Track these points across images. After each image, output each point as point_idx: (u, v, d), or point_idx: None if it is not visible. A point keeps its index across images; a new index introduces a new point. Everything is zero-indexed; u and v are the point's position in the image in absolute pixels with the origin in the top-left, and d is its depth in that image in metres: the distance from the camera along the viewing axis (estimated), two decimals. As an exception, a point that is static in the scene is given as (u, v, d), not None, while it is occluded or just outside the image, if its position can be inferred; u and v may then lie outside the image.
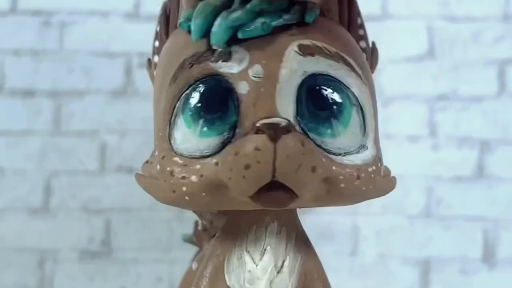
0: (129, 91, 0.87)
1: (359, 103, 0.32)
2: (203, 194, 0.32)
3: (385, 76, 0.82)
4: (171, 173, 0.32)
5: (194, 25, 0.33)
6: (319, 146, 0.31)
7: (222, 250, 0.34)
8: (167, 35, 0.38)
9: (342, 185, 0.31)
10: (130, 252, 0.86)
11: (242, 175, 0.30)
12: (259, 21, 0.32)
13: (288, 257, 0.34)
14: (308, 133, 0.31)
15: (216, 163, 0.31)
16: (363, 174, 0.31)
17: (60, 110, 0.87)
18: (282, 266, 0.33)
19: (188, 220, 0.84)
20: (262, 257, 0.33)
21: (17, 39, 0.87)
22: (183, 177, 0.32)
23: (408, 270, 0.87)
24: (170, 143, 0.33)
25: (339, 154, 0.32)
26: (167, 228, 0.86)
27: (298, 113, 0.31)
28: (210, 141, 0.32)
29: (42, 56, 0.87)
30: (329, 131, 0.31)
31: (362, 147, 0.32)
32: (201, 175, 0.31)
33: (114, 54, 0.87)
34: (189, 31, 0.33)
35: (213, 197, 0.32)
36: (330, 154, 0.31)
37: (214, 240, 0.35)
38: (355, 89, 0.32)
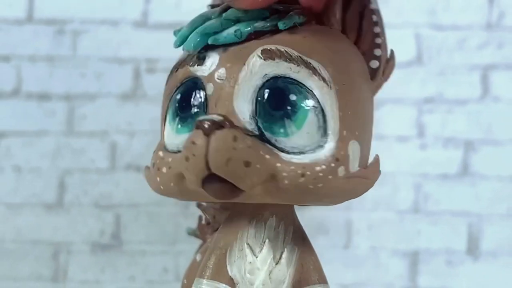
0: (138, 94, 0.87)
1: (320, 105, 0.32)
2: (172, 184, 0.32)
3: (376, 80, 0.82)
4: (153, 165, 0.33)
5: (179, 33, 0.33)
6: (272, 144, 0.31)
7: (224, 242, 0.34)
8: None
9: (286, 181, 0.31)
10: (139, 245, 0.86)
11: (185, 167, 0.31)
12: (233, 29, 0.32)
13: (285, 249, 0.33)
14: (264, 131, 0.31)
15: (180, 157, 0.31)
16: (308, 172, 0.31)
17: (73, 112, 0.87)
18: (280, 258, 0.33)
19: (192, 215, 0.84)
20: (261, 250, 0.33)
21: (33, 46, 0.87)
22: (158, 169, 0.33)
23: (398, 262, 0.86)
24: (163, 139, 0.34)
25: (292, 153, 0.31)
26: (173, 222, 0.86)
27: (256, 112, 0.31)
28: (183, 137, 0.32)
29: (57, 62, 0.87)
30: (282, 130, 0.31)
31: (319, 147, 0.32)
32: (169, 167, 0.32)
33: (124, 60, 0.87)
34: None
35: (179, 187, 0.32)
36: (282, 152, 0.31)
37: (217, 233, 0.35)
38: (316, 91, 0.32)
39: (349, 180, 0.32)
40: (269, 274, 0.33)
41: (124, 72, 0.87)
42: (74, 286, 0.86)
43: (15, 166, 0.86)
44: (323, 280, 0.34)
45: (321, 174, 0.31)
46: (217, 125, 0.30)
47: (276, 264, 0.33)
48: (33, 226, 0.86)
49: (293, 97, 0.31)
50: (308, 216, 0.78)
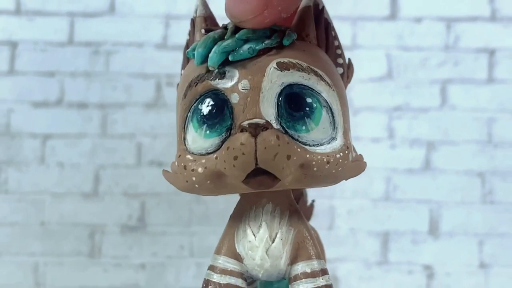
0: (159, 104, 0.87)
1: (328, 105, 0.32)
2: (208, 182, 0.32)
3: (354, 92, 0.82)
4: (184, 167, 0.32)
5: (197, 53, 0.33)
6: (296, 139, 0.31)
7: (233, 225, 0.34)
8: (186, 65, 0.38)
9: (315, 169, 0.31)
10: (160, 227, 0.86)
11: (232, 165, 0.30)
12: (246, 46, 0.32)
13: (280, 230, 0.33)
14: (288, 130, 0.31)
15: (216, 157, 0.31)
16: (332, 160, 0.31)
17: (106, 118, 0.87)
18: (275, 237, 0.33)
19: (204, 202, 0.84)
20: (259, 231, 0.33)
21: (73, 64, 0.87)
22: (193, 170, 0.32)
23: (372, 241, 0.86)
24: (185, 145, 0.33)
25: (313, 145, 0.31)
26: (188, 208, 0.86)
27: (279, 115, 0.31)
28: (212, 141, 0.32)
29: (93, 77, 0.87)
30: (303, 127, 0.31)
31: (333, 139, 0.32)
32: (205, 167, 0.32)
33: (148, 76, 0.87)
34: (194, 59, 0.34)
35: (216, 184, 0.32)
36: (306, 145, 0.31)
37: (229, 218, 0.35)
38: (324, 94, 0.32)
39: (355, 163, 0.33)
40: (266, 251, 0.33)
41: (148, 85, 0.87)
42: (107, 261, 0.86)
43: (59, 162, 0.86)
44: (318, 256, 0.33)
45: (340, 160, 0.31)
46: (262, 127, 0.30)
47: (272, 242, 0.33)
48: (73, 212, 0.86)
49: (309, 100, 0.31)
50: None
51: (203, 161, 0.32)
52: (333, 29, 0.36)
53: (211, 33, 0.34)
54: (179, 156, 0.33)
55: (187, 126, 0.33)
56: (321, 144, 0.31)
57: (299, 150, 0.31)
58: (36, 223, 0.85)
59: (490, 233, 0.86)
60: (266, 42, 0.32)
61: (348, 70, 0.36)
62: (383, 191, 0.86)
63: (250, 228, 0.33)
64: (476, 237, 0.86)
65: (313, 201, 0.47)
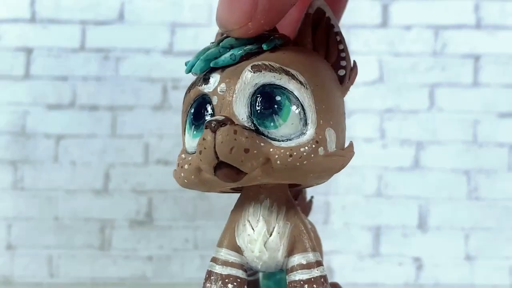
0: (165, 106, 0.87)
1: (299, 102, 0.32)
2: (192, 177, 0.32)
3: (348, 95, 0.82)
4: (178, 164, 0.33)
5: (188, 63, 0.34)
6: (266, 135, 0.31)
7: (234, 219, 0.34)
8: None
9: (278, 162, 0.30)
10: (166, 221, 0.86)
11: (200, 159, 0.31)
12: (229, 53, 0.32)
13: (277, 224, 0.33)
14: (258, 127, 0.31)
15: (196, 154, 0.32)
16: (294, 153, 0.31)
17: (116, 119, 0.87)
18: (273, 231, 0.33)
19: (207, 198, 0.85)
20: (257, 225, 0.33)
21: (85, 69, 0.87)
22: (182, 167, 0.33)
23: (365, 234, 0.86)
24: (184, 146, 0.34)
25: (282, 140, 0.31)
26: (192, 204, 0.86)
27: (251, 113, 0.31)
28: (198, 140, 0.32)
29: (103, 81, 0.87)
30: (271, 124, 0.31)
31: (302, 134, 0.32)
32: (189, 164, 0.32)
33: (155, 80, 0.87)
34: None
35: (199, 178, 0.32)
36: (274, 140, 0.31)
37: (230, 213, 0.35)
38: (296, 92, 0.32)
39: (328, 158, 0.32)
40: (264, 244, 0.33)
41: (155, 89, 0.87)
42: (116, 254, 0.86)
43: (71, 161, 0.86)
44: (313, 249, 0.33)
45: (305, 154, 0.31)
46: (221, 123, 0.30)
47: (270, 236, 0.33)
48: (85, 207, 0.86)
49: (278, 98, 0.31)
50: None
51: (190, 158, 0.32)
52: (339, 34, 0.36)
53: (207, 45, 0.34)
54: (179, 155, 0.34)
55: (185, 129, 0.34)
56: (289, 140, 0.31)
57: (262, 144, 0.31)
58: (50, 218, 0.85)
59: (476, 227, 0.86)
60: (247, 47, 0.32)
61: (351, 71, 0.36)
62: (375, 188, 0.87)
63: (249, 223, 0.33)
64: (462, 231, 0.86)
65: (312, 197, 0.46)
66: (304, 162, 0.31)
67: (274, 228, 0.33)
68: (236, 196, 0.35)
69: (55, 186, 0.86)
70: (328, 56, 0.35)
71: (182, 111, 0.34)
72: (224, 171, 0.30)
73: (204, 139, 0.30)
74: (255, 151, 0.30)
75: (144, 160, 0.87)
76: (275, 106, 0.31)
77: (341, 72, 0.35)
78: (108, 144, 0.86)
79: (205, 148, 0.30)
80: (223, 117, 0.31)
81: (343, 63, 0.36)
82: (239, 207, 0.34)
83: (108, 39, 0.87)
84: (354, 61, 0.36)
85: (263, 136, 0.31)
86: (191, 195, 0.85)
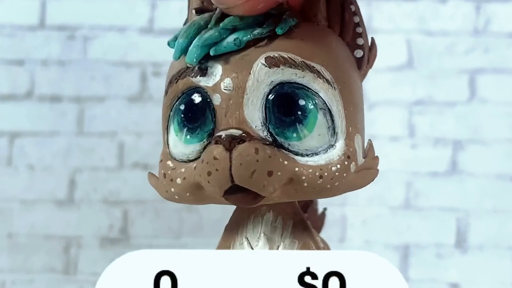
0: (144, 96, 0.87)
1: (327, 106, 0.31)
2: (187, 194, 0.32)
3: (369, 83, 0.82)
4: (164, 175, 0.33)
5: (176, 44, 0.33)
6: (286, 148, 0.31)
7: (229, 237, 0.34)
8: None
9: (305, 184, 0.30)
10: (145, 239, 0.86)
11: (207, 181, 0.30)
12: (232, 37, 0.32)
13: (282, 243, 0.33)
14: (276, 137, 0.31)
15: (194, 168, 0.31)
16: (326, 174, 0.30)
17: (83, 113, 0.87)
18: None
19: (196, 210, 0.84)
20: (258, 243, 0.33)
21: (45, 51, 0.87)
22: (171, 180, 0.33)
23: (390, 255, 0.86)
24: (168, 147, 0.33)
25: (306, 155, 0.31)
26: (177, 217, 0.86)
27: (267, 119, 0.31)
28: (193, 147, 0.32)
29: (67, 65, 0.87)
30: (294, 135, 0.31)
31: (330, 146, 0.31)
32: (184, 178, 0.32)
33: (131, 64, 0.87)
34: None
35: (196, 195, 0.32)
36: (297, 155, 0.31)
37: (224, 230, 0.35)
38: (322, 94, 0.31)
39: (359, 174, 0.32)
40: (266, 268, 0.33)
41: (131, 76, 0.87)
42: (84, 278, 0.85)
43: (29, 164, 0.86)
44: None
45: (337, 174, 0.31)
46: (238, 140, 0.30)
47: (273, 257, 0.33)
48: (45, 222, 0.86)
49: (302, 102, 0.31)
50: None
51: (183, 170, 0.32)
52: (354, 3, 0.35)
53: (197, 19, 0.33)
54: (161, 161, 0.33)
55: (169, 127, 0.33)
56: (316, 154, 0.31)
57: (285, 163, 0.30)
58: (3, 235, 0.85)
59: (526, 246, 0.86)
60: (256, 31, 0.32)
61: (370, 52, 0.36)
62: (402, 197, 0.86)
63: (248, 241, 0.33)
64: (509, 251, 0.86)
65: (324, 209, 0.46)
66: (336, 184, 0.31)
67: (278, 247, 0.33)
68: (231, 207, 0.35)
69: (8, 196, 0.86)
70: (343, 33, 0.35)
71: (166, 103, 0.33)
72: (239, 197, 0.30)
73: (215, 158, 0.30)
74: (279, 173, 0.30)
75: (118, 163, 0.86)
76: (299, 112, 0.31)
77: (359, 54, 0.35)
78: (73, 143, 0.86)
79: (217, 170, 0.30)
80: (240, 131, 0.30)
81: (360, 41, 0.35)
82: (236, 221, 0.34)
83: (74, 14, 0.87)
84: (372, 39, 0.36)
85: (284, 151, 0.31)
86: (176, 206, 0.84)
